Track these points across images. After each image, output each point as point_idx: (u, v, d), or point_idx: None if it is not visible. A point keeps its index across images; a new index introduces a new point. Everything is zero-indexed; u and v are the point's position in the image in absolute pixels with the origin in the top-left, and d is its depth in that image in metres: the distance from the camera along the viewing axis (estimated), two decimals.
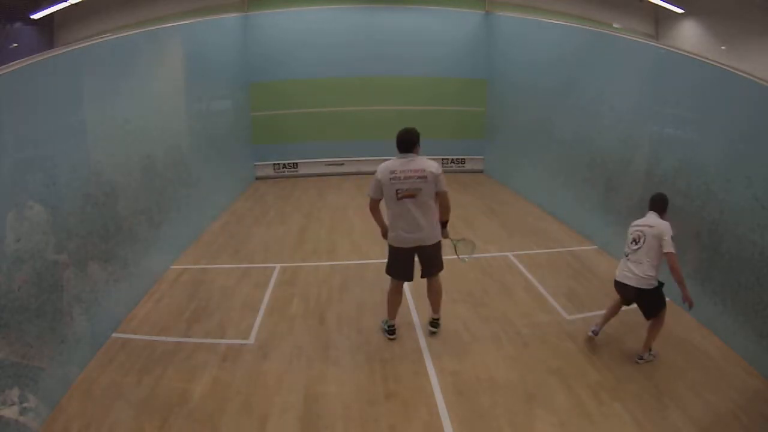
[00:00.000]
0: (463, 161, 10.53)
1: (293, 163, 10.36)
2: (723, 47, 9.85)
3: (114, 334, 3.96)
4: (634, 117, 5.23)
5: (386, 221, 3.70)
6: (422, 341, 3.85)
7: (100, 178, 4.00)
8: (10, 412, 2.70)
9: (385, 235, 3.74)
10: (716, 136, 4.07)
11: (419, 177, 3.46)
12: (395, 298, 3.84)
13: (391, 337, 3.86)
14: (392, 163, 3.52)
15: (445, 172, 3.67)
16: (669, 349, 3.69)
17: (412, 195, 3.47)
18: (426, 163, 3.52)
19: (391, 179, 3.47)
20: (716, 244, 3.94)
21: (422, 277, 3.81)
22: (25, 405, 2.80)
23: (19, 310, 2.88)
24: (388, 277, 3.83)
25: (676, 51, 4.82)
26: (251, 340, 3.94)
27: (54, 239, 3.29)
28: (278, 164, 10.32)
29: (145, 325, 4.17)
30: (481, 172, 10.39)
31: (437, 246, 3.68)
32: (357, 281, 5.02)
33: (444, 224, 3.73)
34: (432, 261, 3.72)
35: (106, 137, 4.18)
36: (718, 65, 4.09)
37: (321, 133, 10.22)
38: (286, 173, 10.36)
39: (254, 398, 3.21)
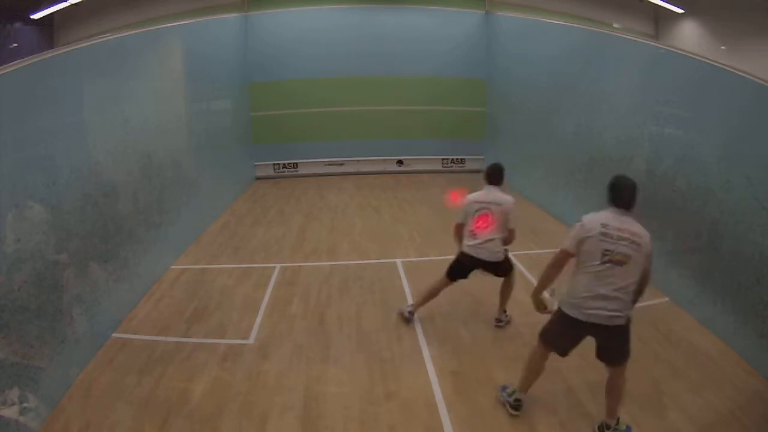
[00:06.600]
0: (463, 161, 10.52)
1: (293, 163, 10.36)
2: (723, 47, 9.84)
3: (114, 334, 3.95)
4: (633, 117, 5.23)
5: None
6: (422, 341, 3.85)
7: (100, 178, 4.00)
8: (10, 412, 2.70)
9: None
10: (716, 136, 4.07)
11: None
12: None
13: (514, 412, 3.05)
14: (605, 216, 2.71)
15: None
16: (669, 349, 3.69)
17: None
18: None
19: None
20: (716, 244, 3.93)
21: None
22: (25, 405, 2.80)
23: (19, 310, 2.88)
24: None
25: (676, 51, 4.82)
26: (251, 340, 3.94)
27: (54, 239, 3.29)
28: (278, 164, 10.32)
29: (145, 325, 4.17)
30: (481, 171, 10.37)
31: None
32: (357, 281, 5.01)
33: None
34: None
35: (106, 137, 4.18)
36: (718, 65, 4.09)
37: (321, 133, 10.23)
38: (286, 173, 10.36)
39: (254, 398, 3.21)
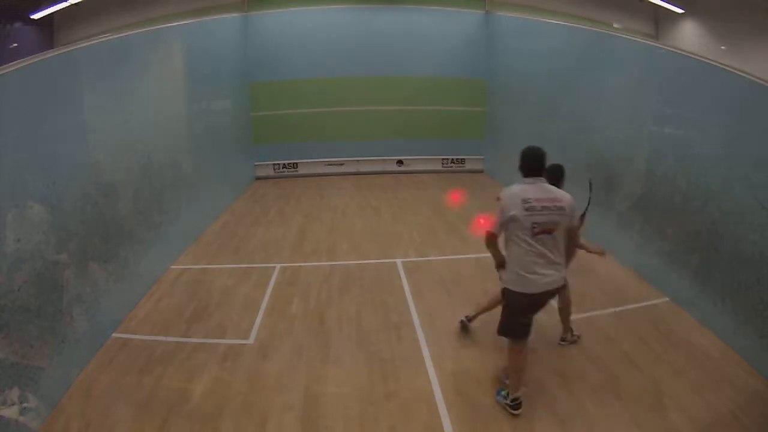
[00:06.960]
0: (463, 161, 10.53)
1: (293, 163, 10.37)
2: (723, 47, 9.84)
3: (114, 334, 3.96)
4: (633, 117, 5.23)
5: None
6: (422, 341, 3.85)
7: (100, 178, 4.00)
8: (10, 412, 2.70)
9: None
10: (716, 136, 4.06)
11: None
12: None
13: (515, 412, 3.02)
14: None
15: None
16: (669, 349, 3.69)
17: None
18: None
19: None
20: (716, 244, 3.93)
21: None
22: (25, 405, 2.80)
23: (19, 310, 2.88)
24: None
25: (676, 51, 4.82)
26: (251, 340, 3.94)
27: (54, 239, 3.29)
28: (278, 164, 10.32)
29: (145, 325, 4.17)
30: (481, 172, 10.39)
31: None
32: (357, 281, 5.01)
33: None
34: None
35: (106, 137, 4.18)
36: (718, 65, 4.09)
37: (321, 133, 10.23)
38: (286, 173, 10.36)
39: (254, 398, 3.21)
